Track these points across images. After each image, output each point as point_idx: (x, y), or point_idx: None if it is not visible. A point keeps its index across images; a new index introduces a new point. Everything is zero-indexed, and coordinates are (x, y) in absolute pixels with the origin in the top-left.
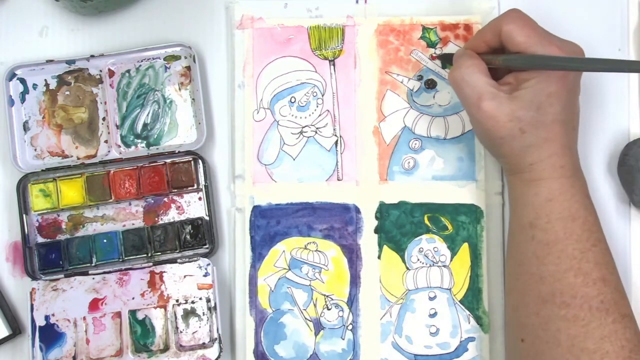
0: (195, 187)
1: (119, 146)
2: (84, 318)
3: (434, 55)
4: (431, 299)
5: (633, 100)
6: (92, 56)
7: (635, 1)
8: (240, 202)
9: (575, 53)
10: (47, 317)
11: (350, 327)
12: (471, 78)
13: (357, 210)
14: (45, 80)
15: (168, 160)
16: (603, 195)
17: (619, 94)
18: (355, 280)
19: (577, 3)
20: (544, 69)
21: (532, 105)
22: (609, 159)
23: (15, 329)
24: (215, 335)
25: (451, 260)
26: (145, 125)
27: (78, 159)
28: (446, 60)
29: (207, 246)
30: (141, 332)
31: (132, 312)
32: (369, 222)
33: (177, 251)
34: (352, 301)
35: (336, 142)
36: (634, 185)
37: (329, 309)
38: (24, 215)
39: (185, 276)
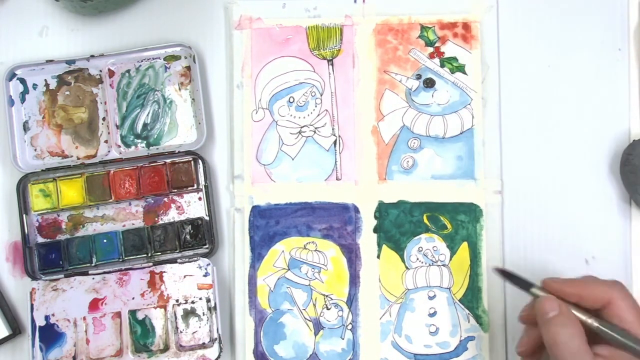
0: (195, 187)
1: (119, 146)
2: (84, 318)
3: (497, 270)
4: (431, 298)
5: (633, 100)
6: (92, 56)
7: (635, 1)
8: (240, 202)
9: None
10: (47, 317)
11: (349, 326)
12: (572, 344)
13: (356, 210)
14: (45, 80)
15: (168, 160)
16: (604, 195)
17: (619, 93)
18: (354, 280)
19: (577, 3)
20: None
21: None
22: (609, 159)
23: (15, 329)
24: (215, 335)
25: (450, 260)
26: (145, 125)
27: (78, 159)
28: (520, 285)
29: (207, 246)
30: (141, 332)
31: (132, 312)
32: (368, 222)
33: (177, 251)
34: (351, 301)
35: (335, 142)
36: (637, 185)
37: (328, 309)
38: (24, 215)
39: (185, 276)
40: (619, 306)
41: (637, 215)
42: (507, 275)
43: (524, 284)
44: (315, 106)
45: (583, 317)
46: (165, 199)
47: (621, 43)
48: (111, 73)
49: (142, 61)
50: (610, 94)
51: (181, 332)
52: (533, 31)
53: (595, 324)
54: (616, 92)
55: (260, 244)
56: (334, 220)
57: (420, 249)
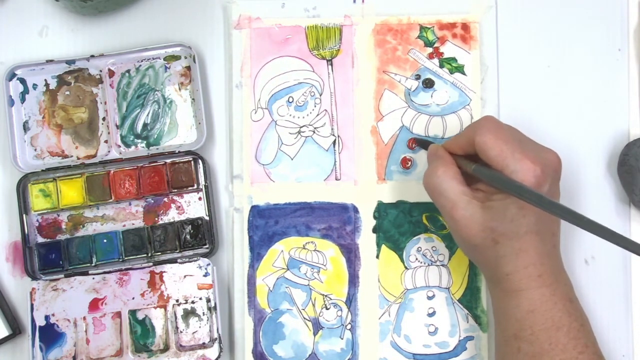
0: (195, 187)
1: (119, 146)
2: (84, 318)
3: (413, 140)
4: (430, 298)
5: (633, 100)
6: (92, 56)
7: (635, 1)
8: (239, 202)
9: (550, 163)
10: (47, 317)
11: (349, 326)
12: (444, 186)
13: (356, 210)
14: (45, 80)
15: (168, 160)
16: (603, 196)
17: (618, 94)
18: (353, 280)
19: (577, 3)
20: (511, 194)
21: (504, 217)
22: (608, 159)
23: (15, 329)
24: (215, 335)
25: (449, 259)
26: (145, 125)
27: (78, 159)
28: (424, 146)
29: (207, 246)
30: (141, 332)
31: (132, 312)
32: (367, 222)
33: (177, 251)
34: (350, 301)
35: (334, 142)
36: (634, 185)
37: (327, 309)
38: (24, 215)
39: (185, 276)
40: (481, 142)
41: (636, 215)
42: (420, 142)
43: (426, 144)
44: (315, 106)
45: (462, 163)
46: (165, 199)
47: (621, 43)
48: (111, 73)
49: (142, 61)
50: (609, 94)
51: (181, 332)
52: (532, 31)
53: (471, 168)
54: (616, 93)
55: (259, 243)
56: (333, 220)
57: (420, 249)
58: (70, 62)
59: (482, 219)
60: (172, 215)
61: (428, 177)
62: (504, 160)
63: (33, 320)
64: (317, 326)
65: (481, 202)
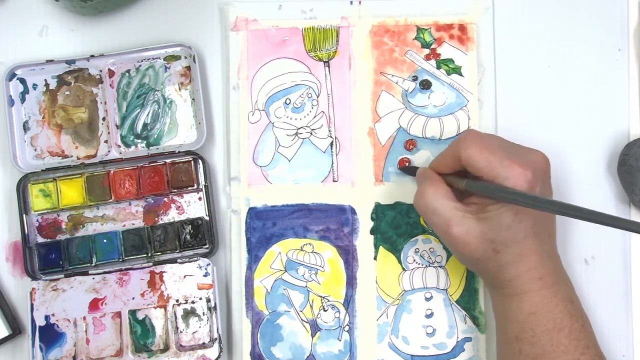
0: (195, 187)
1: (119, 146)
2: (84, 318)
3: (399, 168)
4: (427, 299)
5: (633, 100)
6: (92, 56)
7: (635, 1)
8: (236, 204)
9: (539, 164)
10: (47, 317)
11: (346, 328)
12: (435, 205)
13: (353, 212)
14: (45, 80)
15: (168, 160)
16: (603, 195)
17: (618, 94)
18: (351, 282)
19: (577, 3)
20: (505, 201)
21: (501, 226)
22: (608, 159)
23: (15, 329)
24: (215, 335)
25: (447, 261)
26: (145, 125)
27: (78, 159)
28: (410, 172)
29: (207, 246)
30: (141, 332)
31: (132, 312)
32: (364, 223)
33: (177, 251)
34: (348, 302)
35: (331, 144)
36: (634, 185)
37: (325, 310)
38: (24, 215)
39: (185, 276)
40: (467, 156)
41: (636, 215)
42: (406, 169)
43: (413, 170)
44: (312, 108)
45: (453, 181)
46: (165, 199)
47: (621, 43)
48: (111, 73)
49: (142, 61)
50: (609, 95)
51: (181, 332)
52: (530, 32)
53: (462, 184)
54: (616, 93)
55: (257, 245)
56: (330, 222)
57: (417, 250)
58: (70, 62)
59: (480, 231)
60: (172, 215)
61: (418, 199)
62: (493, 170)
63: (33, 320)
64: (315, 328)
65: (475, 215)
